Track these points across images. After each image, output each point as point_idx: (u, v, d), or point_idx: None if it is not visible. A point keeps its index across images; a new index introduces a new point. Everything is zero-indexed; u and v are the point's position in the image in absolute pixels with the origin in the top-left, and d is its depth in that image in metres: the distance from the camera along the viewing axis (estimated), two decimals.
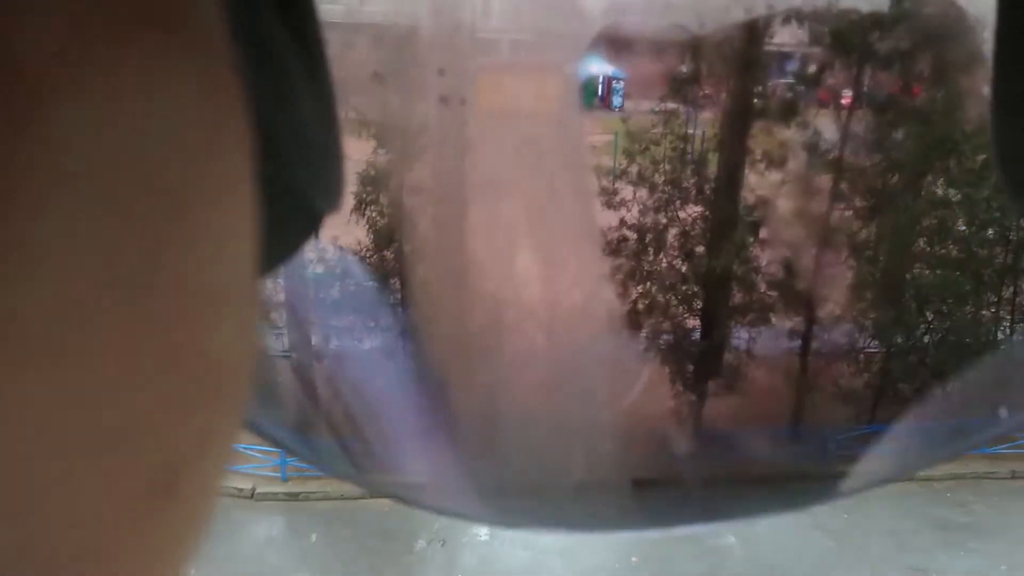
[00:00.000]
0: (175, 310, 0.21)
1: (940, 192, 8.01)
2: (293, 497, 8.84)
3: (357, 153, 5.66)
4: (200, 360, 0.23)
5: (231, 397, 0.26)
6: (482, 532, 8.71)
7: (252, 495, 9.16)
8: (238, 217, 0.24)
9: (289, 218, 0.40)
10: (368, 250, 7.04)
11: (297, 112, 0.37)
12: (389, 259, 6.54)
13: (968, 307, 8.23)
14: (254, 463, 8.69)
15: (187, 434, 0.23)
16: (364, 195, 6.69)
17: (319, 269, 8.25)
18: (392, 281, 8.00)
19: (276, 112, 0.34)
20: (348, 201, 6.04)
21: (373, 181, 6.37)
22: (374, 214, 6.72)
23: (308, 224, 0.44)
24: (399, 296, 7.93)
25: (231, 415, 0.26)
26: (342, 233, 6.55)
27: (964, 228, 7.77)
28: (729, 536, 8.73)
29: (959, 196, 7.64)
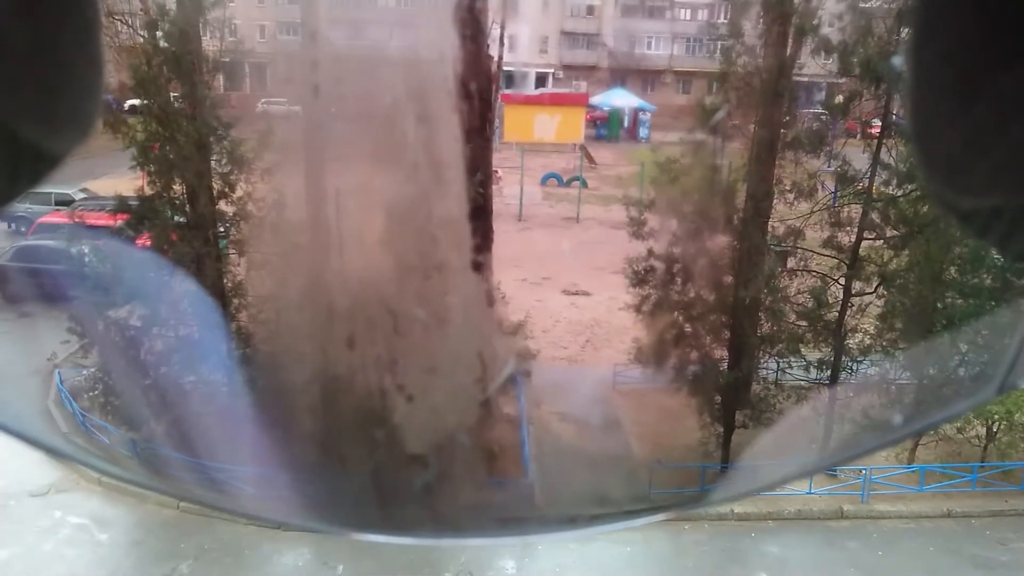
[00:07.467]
0: None
1: None
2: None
3: (388, 186, 5.69)
4: None
5: None
6: (509, 564, 8.61)
7: (280, 526, 9.18)
8: None
9: None
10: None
11: None
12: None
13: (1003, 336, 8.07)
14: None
15: None
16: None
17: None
18: None
19: None
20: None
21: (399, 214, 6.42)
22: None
23: (19, 161, 0.29)
24: None
25: None
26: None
27: (997, 255, 7.65)
28: (761, 573, 8.55)
29: None
